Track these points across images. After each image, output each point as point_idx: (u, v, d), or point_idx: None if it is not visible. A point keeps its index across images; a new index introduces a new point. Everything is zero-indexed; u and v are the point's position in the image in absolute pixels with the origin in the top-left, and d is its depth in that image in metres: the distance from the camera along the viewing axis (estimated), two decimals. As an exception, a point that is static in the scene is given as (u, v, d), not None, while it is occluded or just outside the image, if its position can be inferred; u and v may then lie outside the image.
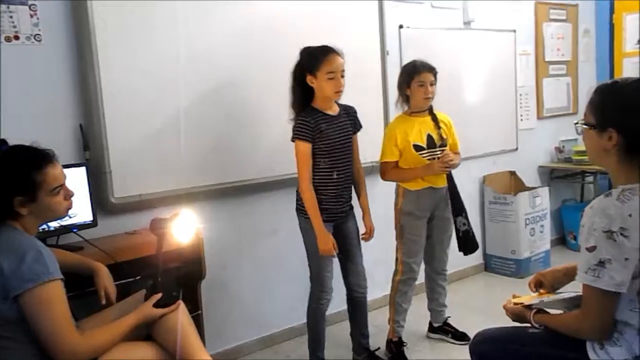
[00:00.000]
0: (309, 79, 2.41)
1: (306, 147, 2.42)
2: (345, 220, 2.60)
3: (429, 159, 2.73)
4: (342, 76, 2.42)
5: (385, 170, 2.79)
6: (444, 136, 2.78)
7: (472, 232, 2.85)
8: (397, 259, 2.88)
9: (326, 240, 2.43)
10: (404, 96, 2.77)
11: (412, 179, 2.77)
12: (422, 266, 3.00)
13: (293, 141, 2.44)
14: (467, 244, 2.84)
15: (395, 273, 2.88)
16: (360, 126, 2.64)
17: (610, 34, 4.87)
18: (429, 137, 2.75)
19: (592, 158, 1.63)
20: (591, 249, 1.44)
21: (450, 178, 2.78)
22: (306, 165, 2.43)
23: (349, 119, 2.57)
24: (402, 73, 2.79)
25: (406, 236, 2.82)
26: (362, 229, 2.69)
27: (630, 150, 1.47)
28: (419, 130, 2.75)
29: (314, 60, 2.39)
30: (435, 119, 2.79)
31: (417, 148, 2.73)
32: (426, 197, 2.78)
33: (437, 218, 2.86)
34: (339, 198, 2.52)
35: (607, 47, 4.91)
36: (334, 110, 2.52)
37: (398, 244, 2.86)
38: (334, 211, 2.52)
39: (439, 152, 2.74)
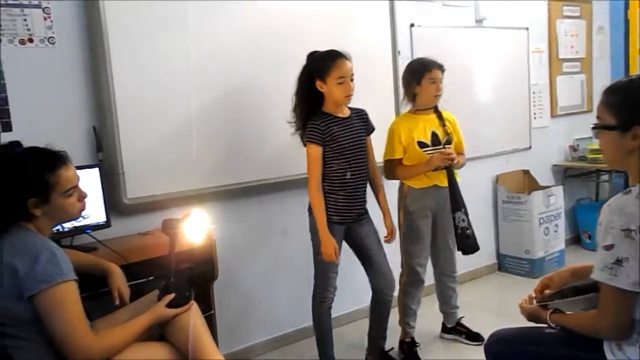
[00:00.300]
0: (319, 84, 2.41)
1: (317, 150, 2.42)
2: (361, 224, 2.58)
3: (431, 156, 2.70)
4: (352, 80, 2.41)
5: (389, 168, 2.77)
6: (449, 132, 2.75)
7: (472, 232, 2.72)
8: (401, 261, 2.86)
9: (328, 245, 2.42)
10: (411, 94, 2.75)
11: (415, 175, 2.73)
12: (431, 268, 2.98)
13: (305, 145, 2.45)
14: (466, 242, 2.72)
15: (401, 275, 2.87)
16: (373, 128, 2.63)
17: (625, 30, 4.81)
18: (434, 134, 2.73)
19: (612, 160, 1.57)
20: (608, 247, 1.42)
21: (449, 173, 2.70)
22: (316, 169, 2.43)
23: (361, 122, 2.57)
24: (410, 70, 2.76)
25: (409, 236, 2.79)
26: (383, 231, 2.66)
27: None
28: (424, 127, 2.73)
29: (323, 66, 2.39)
30: (440, 116, 2.77)
31: (421, 145, 2.71)
32: (430, 195, 2.75)
33: (441, 218, 2.81)
34: (352, 199, 2.51)
35: (622, 44, 4.85)
36: (345, 113, 2.52)
37: (402, 245, 2.83)
38: (347, 212, 2.51)
39: (444, 150, 2.70)
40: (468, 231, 2.71)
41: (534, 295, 1.79)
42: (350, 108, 2.55)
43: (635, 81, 1.51)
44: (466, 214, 2.72)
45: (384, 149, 2.78)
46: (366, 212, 2.61)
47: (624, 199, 1.44)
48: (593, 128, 1.55)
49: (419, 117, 2.76)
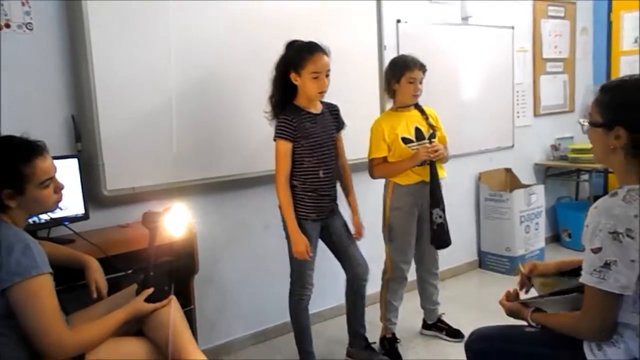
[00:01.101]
0: (293, 76, 2.38)
1: (286, 146, 2.38)
2: (333, 219, 2.57)
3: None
4: (327, 76, 2.37)
5: (373, 167, 2.76)
6: (433, 124, 2.74)
7: (447, 227, 2.72)
8: (386, 258, 2.85)
9: (299, 243, 2.40)
10: (391, 91, 2.74)
11: (401, 171, 2.72)
12: (413, 266, 2.98)
13: (275, 140, 2.41)
14: (441, 237, 2.71)
15: (385, 272, 2.86)
16: (344, 125, 2.61)
17: (608, 32, 4.87)
18: (417, 129, 2.72)
19: (598, 157, 1.58)
20: (596, 250, 1.42)
21: (432, 169, 2.69)
22: (283, 165, 2.40)
23: (333, 118, 2.54)
24: (391, 67, 2.74)
25: (395, 234, 2.78)
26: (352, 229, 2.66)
27: (637, 149, 1.45)
28: (406, 123, 2.72)
29: (299, 58, 2.34)
30: (422, 111, 2.76)
31: (406, 141, 2.70)
32: (417, 191, 2.74)
33: (426, 214, 2.78)
34: (326, 197, 2.50)
35: (604, 45, 4.90)
36: (317, 109, 2.48)
37: (386, 242, 2.83)
38: (322, 210, 2.50)
39: (427, 144, 2.70)
40: (443, 227, 2.72)
41: (512, 290, 1.79)
42: (322, 102, 2.52)
43: (627, 82, 1.52)
44: (443, 210, 2.73)
45: (368, 148, 2.77)
46: (337, 205, 2.60)
47: (611, 201, 1.44)
48: (581, 123, 1.57)
49: (400, 115, 2.75)
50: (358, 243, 2.67)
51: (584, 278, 1.45)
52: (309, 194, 2.45)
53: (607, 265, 1.39)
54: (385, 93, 2.81)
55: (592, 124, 1.52)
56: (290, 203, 2.41)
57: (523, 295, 1.80)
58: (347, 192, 2.66)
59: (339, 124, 2.59)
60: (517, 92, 4.34)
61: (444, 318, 3.09)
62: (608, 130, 1.48)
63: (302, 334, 2.62)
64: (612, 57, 4.85)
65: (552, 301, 1.66)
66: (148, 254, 1.84)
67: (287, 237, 2.49)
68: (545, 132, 4.62)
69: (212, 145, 2.77)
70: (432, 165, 2.68)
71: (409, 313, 3.12)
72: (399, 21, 3.51)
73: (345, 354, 2.83)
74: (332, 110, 2.56)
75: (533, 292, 1.82)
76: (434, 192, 2.70)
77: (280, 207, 2.46)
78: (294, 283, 2.56)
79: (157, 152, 2.60)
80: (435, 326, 3.08)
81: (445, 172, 2.82)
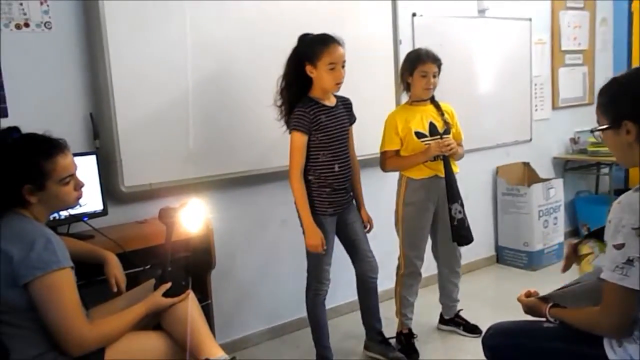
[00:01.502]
0: (309, 69, 2.37)
1: (302, 139, 2.38)
2: (348, 211, 2.57)
3: None
4: (343, 67, 2.36)
5: (385, 160, 2.74)
6: (448, 121, 2.72)
7: (467, 223, 2.72)
8: (399, 254, 2.84)
9: (314, 236, 2.39)
10: (406, 84, 2.73)
11: (412, 166, 2.70)
12: (433, 262, 2.97)
13: (290, 132, 2.41)
14: (461, 233, 2.70)
15: (399, 267, 2.85)
16: (355, 119, 2.61)
17: (628, 22, 4.77)
18: (431, 124, 2.70)
19: (620, 158, 1.56)
20: (619, 247, 1.39)
21: (446, 164, 2.67)
22: (298, 157, 2.39)
23: (346, 111, 2.54)
24: (406, 60, 2.73)
25: (407, 228, 2.77)
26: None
27: None
28: (421, 118, 2.70)
29: (315, 50, 2.33)
30: (437, 106, 2.74)
31: (419, 135, 2.68)
32: (431, 186, 2.72)
33: (442, 210, 2.76)
34: (341, 191, 2.50)
35: (624, 36, 4.81)
36: (332, 101, 2.48)
37: (400, 237, 2.81)
38: (338, 204, 2.50)
39: (440, 140, 2.68)
40: (464, 223, 2.70)
41: (532, 290, 1.78)
42: (336, 96, 2.51)
43: (618, 79, 1.51)
44: (462, 205, 2.71)
45: (381, 141, 2.76)
46: (352, 198, 2.60)
47: (634, 197, 1.41)
48: (592, 131, 1.57)
49: (415, 109, 2.73)
50: (371, 238, 2.67)
51: (606, 275, 1.43)
52: (325, 189, 2.45)
53: (630, 261, 1.37)
54: (400, 87, 2.79)
55: (601, 129, 1.51)
56: (304, 196, 2.41)
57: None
58: (356, 185, 2.65)
59: (351, 118, 2.58)
60: (535, 85, 4.28)
61: (462, 313, 3.07)
62: (617, 129, 1.46)
63: (319, 328, 2.62)
64: (633, 47, 4.75)
65: (570, 296, 1.64)
66: (165, 249, 1.86)
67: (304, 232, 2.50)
68: (564, 126, 4.55)
69: (228, 141, 2.78)
70: (446, 160, 2.67)
71: (426, 308, 3.11)
72: (414, 15, 3.48)
73: (363, 347, 2.84)
74: (345, 104, 2.55)
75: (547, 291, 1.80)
76: (450, 187, 2.68)
77: (294, 201, 2.47)
78: (310, 278, 2.57)
79: (174, 148, 2.62)
80: (453, 321, 3.06)
81: (457, 168, 2.80)
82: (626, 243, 1.38)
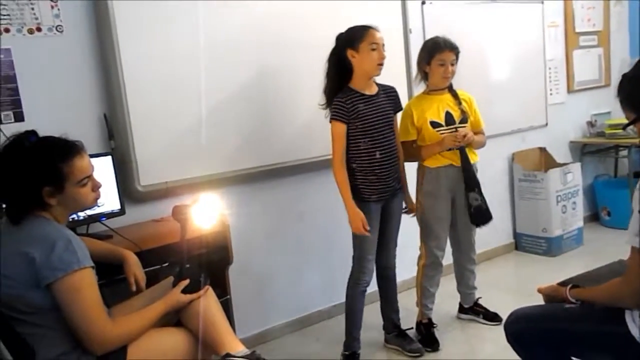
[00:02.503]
0: (350, 53, 2.41)
1: (341, 127, 2.42)
2: (392, 200, 2.59)
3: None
4: (384, 49, 2.41)
5: (404, 150, 2.72)
6: (465, 111, 2.71)
7: (486, 206, 2.72)
8: (420, 244, 2.83)
9: (355, 218, 2.42)
10: (423, 73, 2.72)
11: (428, 156, 2.70)
12: (450, 251, 2.96)
13: (330, 122, 2.45)
14: (479, 216, 2.71)
15: (420, 257, 2.85)
16: (401, 107, 2.63)
17: (644, 1, 4.68)
18: (448, 114, 2.69)
19: None
20: None
21: (462, 153, 2.66)
22: (339, 146, 2.43)
23: (389, 99, 2.56)
24: (423, 49, 2.72)
25: (427, 218, 2.76)
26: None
27: None
28: (437, 107, 2.69)
29: (356, 35, 2.41)
30: (455, 95, 2.72)
31: (435, 125, 2.67)
32: (446, 175, 2.71)
33: (460, 198, 2.76)
34: (385, 178, 2.50)
35: (640, 15, 4.71)
36: (372, 90, 2.50)
37: (420, 226, 2.81)
38: (382, 191, 2.51)
39: (458, 129, 2.67)
40: (480, 208, 2.70)
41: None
42: (378, 84, 2.53)
43: (628, 75, 1.52)
44: (480, 192, 2.71)
45: (399, 131, 2.75)
46: (400, 186, 2.62)
47: None
48: (623, 128, 1.58)
49: (432, 98, 2.72)
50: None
51: (629, 239, 1.42)
52: (369, 176, 2.47)
53: None
54: (417, 76, 2.78)
55: (631, 123, 1.50)
56: (346, 182, 2.44)
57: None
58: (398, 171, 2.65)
59: (396, 106, 2.60)
60: (550, 68, 4.22)
61: (481, 302, 3.06)
62: None
63: (353, 318, 2.64)
64: (649, 27, 4.66)
65: (591, 277, 1.62)
66: (181, 246, 1.88)
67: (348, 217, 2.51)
68: (580, 109, 4.48)
69: (242, 138, 2.79)
70: (462, 150, 2.65)
71: (446, 297, 3.09)
72: (424, 2, 3.45)
73: (384, 340, 2.84)
74: (388, 92, 2.58)
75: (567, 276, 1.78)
76: (466, 176, 2.67)
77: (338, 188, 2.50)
78: (354, 267, 2.59)
79: (189, 146, 2.63)
80: (472, 310, 3.05)
81: (477, 156, 2.78)
82: None
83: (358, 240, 2.53)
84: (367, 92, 2.48)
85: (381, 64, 2.42)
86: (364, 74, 2.44)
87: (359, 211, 2.43)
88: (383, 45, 2.41)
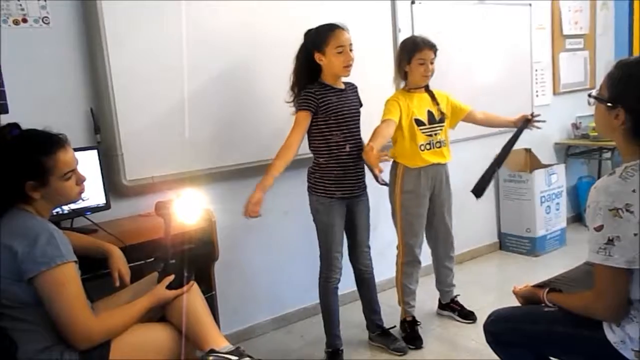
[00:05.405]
0: (317, 56, 2.40)
1: (304, 116, 2.40)
2: (359, 201, 2.59)
3: (428, 134, 2.71)
4: (351, 50, 2.40)
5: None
6: (443, 111, 2.75)
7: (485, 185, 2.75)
8: (398, 242, 2.85)
9: (251, 199, 2.29)
10: (403, 72, 2.73)
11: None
12: (428, 249, 2.98)
13: (296, 112, 2.44)
14: (479, 187, 2.72)
15: (398, 256, 2.86)
16: (362, 103, 2.63)
17: (629, 5, 4.74)
18: (429, 112, 2.73)
19: (599, 130, 1.64)
20: (599, 228, 1.43)
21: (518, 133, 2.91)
22: (296, 133, 2.39)
23: (354, 95, 2.58)
24: (401, 49, 2.73)
25: (405, 216, 2.77)
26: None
27: (635, 131, 1.48)
28: (419, 106, 2.72)
29: (321, 37, 2.38)
30: (432, 95, 2.76)
31: (419, 123, 2.70)
32: (428, 174, 2.74)
33: (438, 196, 2.81)
34: (351, 174, 2.51)
35: (626, 20, 4.77)
36: (341, 86, 2.52)
37: (397, 225, 2.81)
38: (347, 187, 2.51)
39: (438, 128, 2.73)
40: (485, 182, 2.74)
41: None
42: (343, 82, 2.54)
43: (630, 64, 1.51)
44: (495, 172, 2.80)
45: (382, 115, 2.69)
46: (365, 187, 2.61)
47: (608, 180, 1.46)
48: (589, 95, 1.61)
49: (413, 95, 2.74)
50: (372, 228, 2.69)
51: (591, 257, 1.46)
52: (335, 171, 2.47)
53: (610, 241, 1.41)
54: (396, 76, 2.79)
55: (598, 98, 1.54)
56: (279, 165, 2.35)
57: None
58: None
59: (359, 101, 2.62)
60: (536, 70, 4.26)
61: (463, 300, 3.08)
62: (610, 109, 1.49)
63: (330, 316, 2.64)
64: (634, 31, 4.72)
65: (566, 280, 1.65)
66: (165, 241, 1.87)
67: (315, 220, 2.52)
68: (566, 111, 4.53)
69: (229, 133, 2.78)
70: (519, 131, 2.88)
71: (428, 294, 3.12)
72: (413, 2, 3.46)
73: (368, 338, 2.86)
74: (352, 89, 2.59)
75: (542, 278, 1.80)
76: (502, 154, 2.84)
77: (309, 189, 2.50)
78: (321, 265, 2.59)
79: (175, 141, 2.62)
80: (449, 306, 3.08)
81: (450, 157, 2.83)
82: (605, 224, 1.42)
83: (323, 236, 2.52)
84: (338, 87, 2.49)
85: (348, 66, 2.41)
86: (333, 75, 2.45)
87: (260, 195, 2.30)
88: (350, 45, 2.39)
